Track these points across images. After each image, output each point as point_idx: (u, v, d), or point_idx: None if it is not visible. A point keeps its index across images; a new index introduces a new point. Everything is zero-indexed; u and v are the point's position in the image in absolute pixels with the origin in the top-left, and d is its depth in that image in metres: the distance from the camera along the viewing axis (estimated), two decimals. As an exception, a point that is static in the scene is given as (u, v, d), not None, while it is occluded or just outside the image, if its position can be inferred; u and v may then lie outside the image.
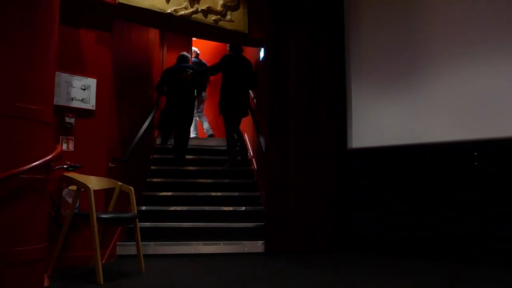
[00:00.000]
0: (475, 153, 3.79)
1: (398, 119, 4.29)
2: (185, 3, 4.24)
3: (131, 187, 3.48)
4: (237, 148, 5.95)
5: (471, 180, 3.82)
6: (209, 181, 5.59)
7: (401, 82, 4.30)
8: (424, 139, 4.07)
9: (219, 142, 6.89)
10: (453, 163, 3.95)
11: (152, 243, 4.18)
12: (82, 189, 3.18)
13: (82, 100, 3.68)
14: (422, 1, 4.21)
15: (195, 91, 6.23)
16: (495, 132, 3.65)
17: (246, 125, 6.73)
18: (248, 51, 6.69)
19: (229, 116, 5.78)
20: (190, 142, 6.76)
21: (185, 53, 6.44)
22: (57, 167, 3.25)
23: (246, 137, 7.12)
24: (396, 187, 4.30)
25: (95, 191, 3.12)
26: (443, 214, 3.94)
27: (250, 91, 6.19)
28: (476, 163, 3.79)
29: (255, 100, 6.46)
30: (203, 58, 8.03)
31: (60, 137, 3.55)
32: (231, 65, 5.73)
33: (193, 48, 6.83)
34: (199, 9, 4.32)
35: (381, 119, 4.42)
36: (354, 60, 4.72)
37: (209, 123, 7.69)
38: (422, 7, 4.19)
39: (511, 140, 3.57)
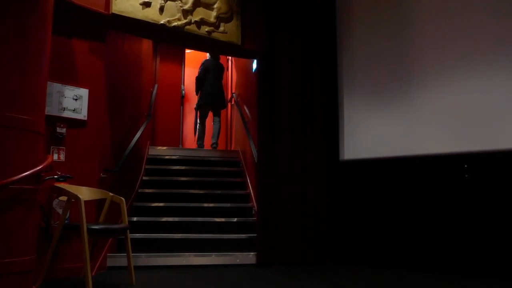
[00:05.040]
0: (466, 166, 3.82)
1: (390, 131, 4.32)
2: (179, 15, 4.26)
3: (122, 198, 3.46)
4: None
5: (462, 192, 3.84)
6: (201, 192, 5.57)
7: (393, 94, 4.34)
8: (415, 151, 4.10)
9: (213, 153, 6.89)
10: (444, 175, 3.97)
11: (143, 254, 4.14)
12: (72, 200, 3.15)
13: (74, 110, 3.66)
14: (414, 13, 4.27)
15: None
16: (486, 145, 3.68)
17: (239, 136, 6.74)
18: (240, 61, 6.75)
19: (202, 111, 7.21)
20: (182, 153, 6.77)
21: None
22: (47, 178, 3.22)
23: (239, 148, 7.14)
24: (388, 199, 4.32)
25: (86, 201, 3.10)
26: (435, 227, 3.96)
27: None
28: (466, 175, 3.82)
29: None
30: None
31: (51, 147, 3.53)
32: (208, 70, 6.98)
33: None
34: (193, 21, 4.34)
35: (373, 131, 4.45)
36: (347, 72, 4.76)
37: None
38: (415, 19, 4.25)
39: (502, 153, 3.61)
